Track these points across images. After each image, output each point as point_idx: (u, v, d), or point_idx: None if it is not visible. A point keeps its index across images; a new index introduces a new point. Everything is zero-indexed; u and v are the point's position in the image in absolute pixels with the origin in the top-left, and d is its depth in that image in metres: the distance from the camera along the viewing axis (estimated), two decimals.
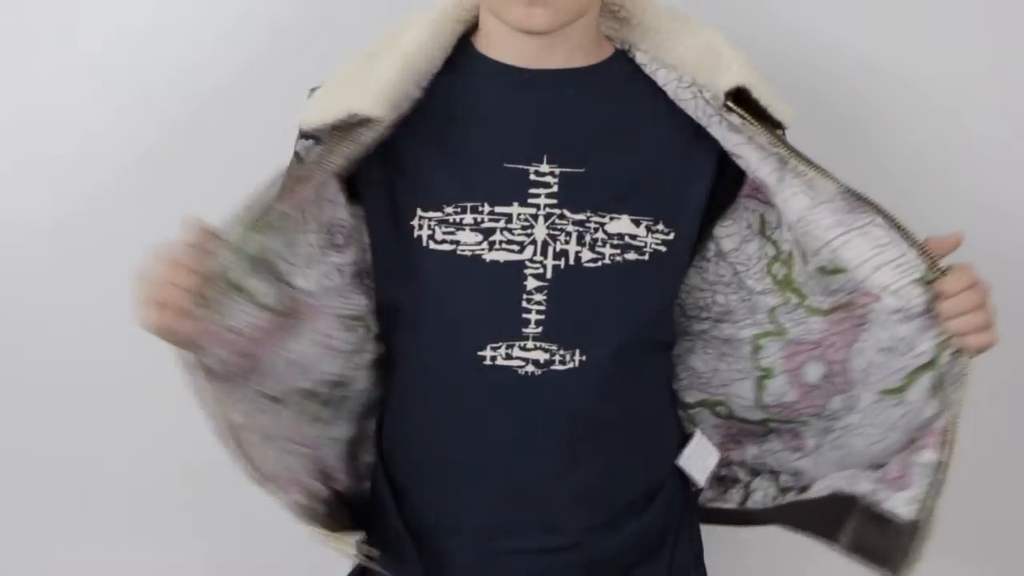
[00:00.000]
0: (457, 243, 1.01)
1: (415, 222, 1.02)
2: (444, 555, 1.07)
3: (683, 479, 1.19)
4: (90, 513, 1.46)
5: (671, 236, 1.04)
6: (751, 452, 1.19)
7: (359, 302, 1.09)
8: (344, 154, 0.98)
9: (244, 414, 0.97)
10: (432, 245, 1.02)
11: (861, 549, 1.03)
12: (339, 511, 1.08)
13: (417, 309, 1.05)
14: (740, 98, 0.99)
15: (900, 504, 1.00)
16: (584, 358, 1.02)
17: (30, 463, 1.43)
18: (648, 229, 1.03)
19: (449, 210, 1.02)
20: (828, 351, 1.05)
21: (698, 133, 1.04)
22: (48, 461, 1.43)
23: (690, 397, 1.17)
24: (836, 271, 1.01)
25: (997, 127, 1.32)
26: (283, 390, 1.03)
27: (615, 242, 1.02)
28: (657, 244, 1.03)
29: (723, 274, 1.11)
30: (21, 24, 1.31)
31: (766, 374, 1.10)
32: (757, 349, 1.10)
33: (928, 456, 0.99)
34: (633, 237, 1.02)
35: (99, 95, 1.32)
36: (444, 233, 1.02)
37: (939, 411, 0.99)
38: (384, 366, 1.15)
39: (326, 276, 1.05)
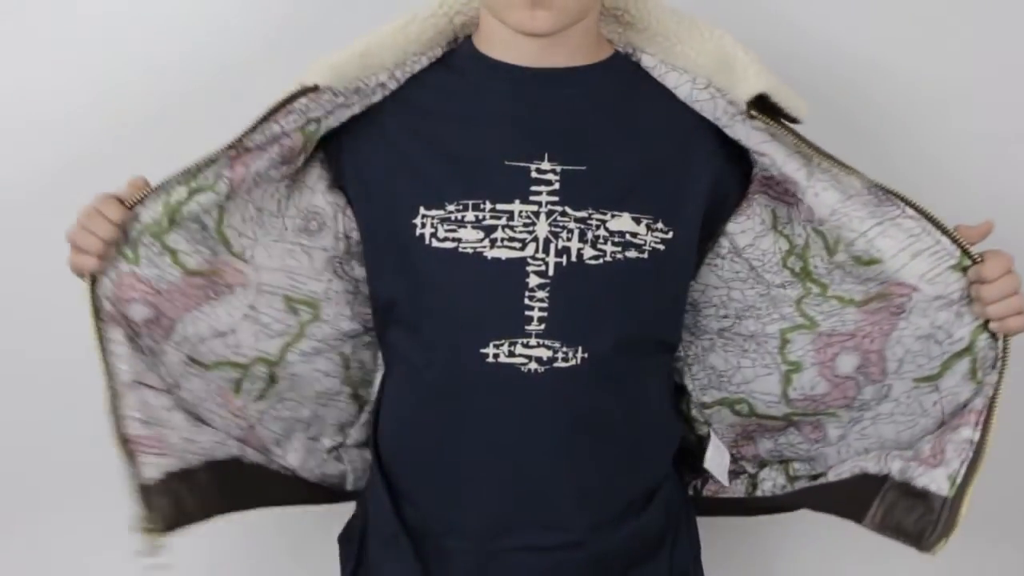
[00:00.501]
0: (459, 240, 1.01)
1: (417, 220, 1.03)
2: (444, 554, 1.07)
3: (681, 480, 1.20)
4: (89, 511, 1.46)
5: (669, 235, 1.04)
6: (765, 447, 1.19)
7: (316, 288, 1.10)
8: (291, 123, 1.02)
9: (165, 377, 1.04)
10: (435, 243, 1.02)
11: (891, 526, 1.04)
12: (279, 483, 1.15)
13: (418, 307, 1.05)
14: (760, 103, 1.00)
15: (937, 480, 1.01)
16: (586, 355, 1.02)
17: (29, 461, 1.44)
18: (648, 227, 1.03)
19: (451, 208, 1.02)
20: (863, 341, 1.05)
21: (699, 133, 1.05)
22: (46, 460, 1.44)
23: (708, 396, 1.16)
24: (872, 261, 1.02)
25: (1000, 126, 1.33)
26: (213, 359, 1.07)
27: (616, 240, 1.02)
28: (656, 243, 1.03)
29: (739, 270, 1.11)
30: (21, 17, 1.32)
31: (794, 368, 1.09)
32: (785, 343, 1.09)
33: (966, 434, 1.01)
34: (634, 235, 1.02)
35: (94, 93, 1.33)
36: (446, 231, 1.02)
37: (975, 394, 1.02)
38: (345, 362, 1.15)
39: (291, 256, 1.09)
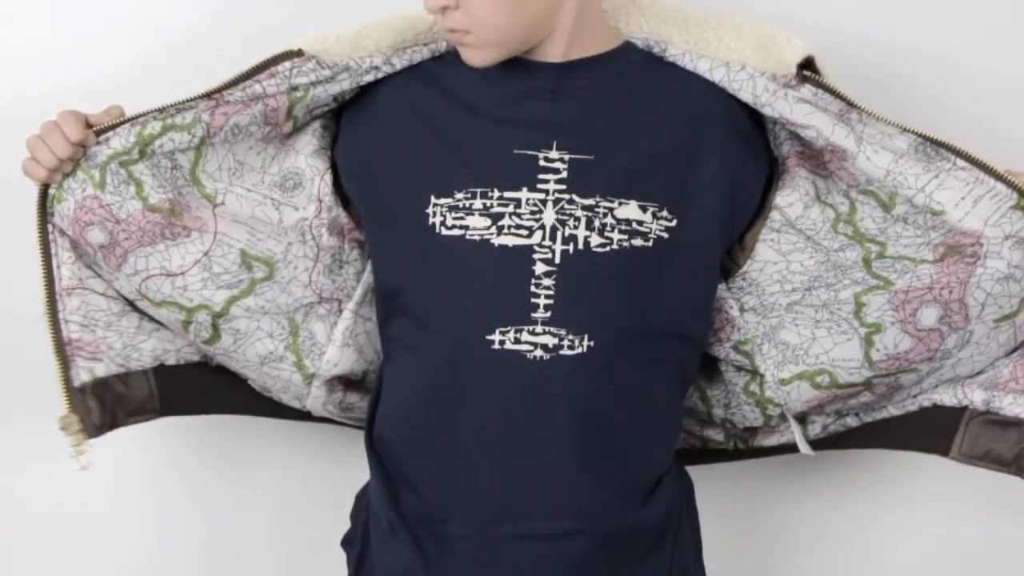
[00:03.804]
0: (466, 228, 1.02)
1: (429, 209, 1.04)
2: (446, 540, 1.07)
3: (681, 474, 1.19)
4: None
5: (673, 223, 1.04)
6: (832, 407, 1.18)
7: (274, 248, 1.12)
8: (273, 86, 1.06)
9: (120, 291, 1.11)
10: (443, 231, 1.03)
11: (981, 456, 1.11)
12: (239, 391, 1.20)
13: (425, 294, 1.06)
14: (807, 69, 1.04)
15: None
16: (592, 343, 1.02)
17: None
18: (654, 215, 1.04)
19: (460, 196, 1.03)
20: (942, 293, 1.06)
21: (711, 120, 1.07)
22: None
23: (786, 372, 1.14)
24: (935, 214, 1.05)
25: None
26: (160, 297, 1.10)
27: (623, 227, 1.03)
28: (660, 231, 1.04)
29: (795, 241, 1.12)
30: None
31: (874, 329, 1.09)
32: (860, 307, 1.09)
33: None
34: (640, 223, 1.03)
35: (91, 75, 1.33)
36: (454, 219, 1.03)
37: None
38: (294, 329, 1.14)
39: (261, 208, 1.12)
